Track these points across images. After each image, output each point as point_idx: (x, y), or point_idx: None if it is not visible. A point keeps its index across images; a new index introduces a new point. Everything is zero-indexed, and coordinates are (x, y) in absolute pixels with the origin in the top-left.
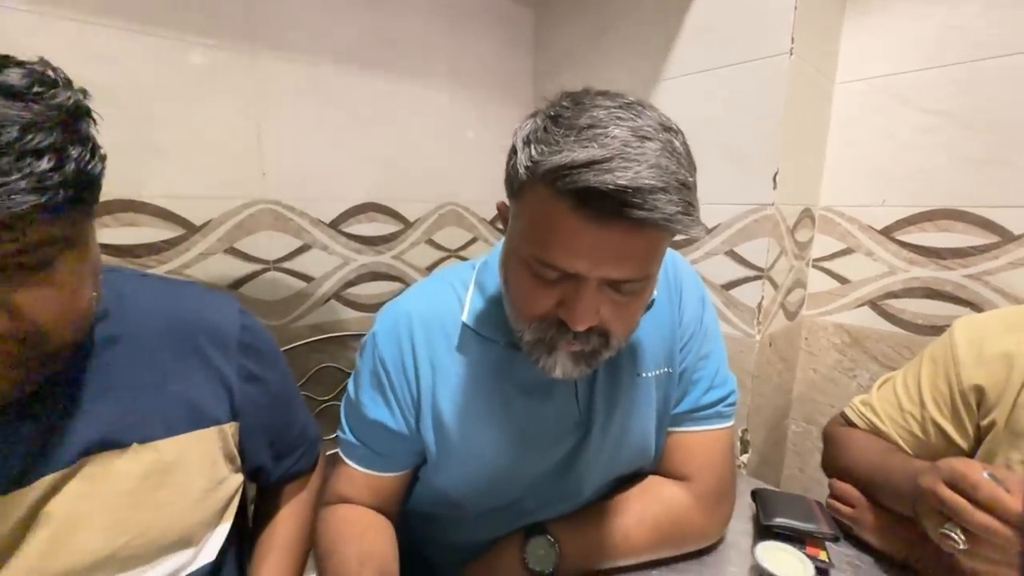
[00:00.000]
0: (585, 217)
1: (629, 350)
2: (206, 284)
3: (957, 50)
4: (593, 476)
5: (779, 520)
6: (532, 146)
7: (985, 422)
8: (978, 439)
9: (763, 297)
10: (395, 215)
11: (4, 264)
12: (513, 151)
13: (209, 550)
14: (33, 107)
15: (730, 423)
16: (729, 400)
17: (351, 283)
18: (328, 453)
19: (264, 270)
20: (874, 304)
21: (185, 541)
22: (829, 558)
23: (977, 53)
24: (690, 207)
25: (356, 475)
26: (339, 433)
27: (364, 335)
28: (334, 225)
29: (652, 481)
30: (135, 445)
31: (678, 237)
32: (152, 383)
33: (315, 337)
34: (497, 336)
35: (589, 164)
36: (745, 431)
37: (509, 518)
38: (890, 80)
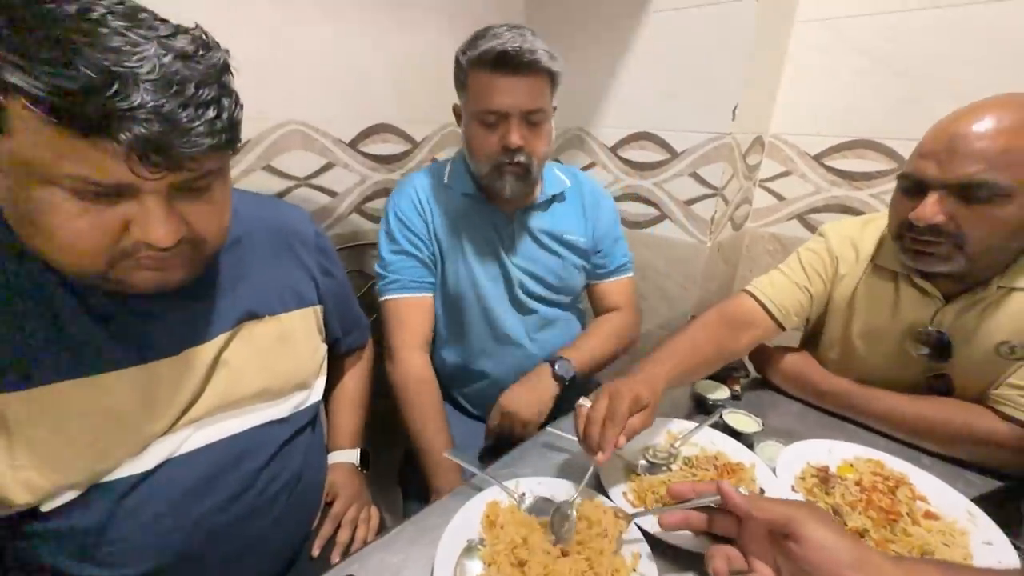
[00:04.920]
0: (502, 73)
1: (552, 221)
2: None
3: None
4: (525, 288)
5: None
6: (467, 52)
7: (835, 293)
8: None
9: (716, 211)
10: (404, 135)
11: (186, 187)
12: (456, 62)
13: (316, 391)
14: (198, 67)
15: (632, 275)
16: (631, 261)
17: (368, 198)
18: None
19: (296, 186)
20: (801, 218)
21: (303, 383)
22: (741, 389)
23: (910, 3)
24: (552, 58)
25: (402, 304)
26: (378, 285)
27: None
28: (352, 144)
29: (601, 318)
30: (267, 317)
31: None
32: (267, 273)
33: (341, 246)
34: (467, 190)
35: (494, 47)
36: (694, 317)
37: (504, 345)
38: (841, 22)
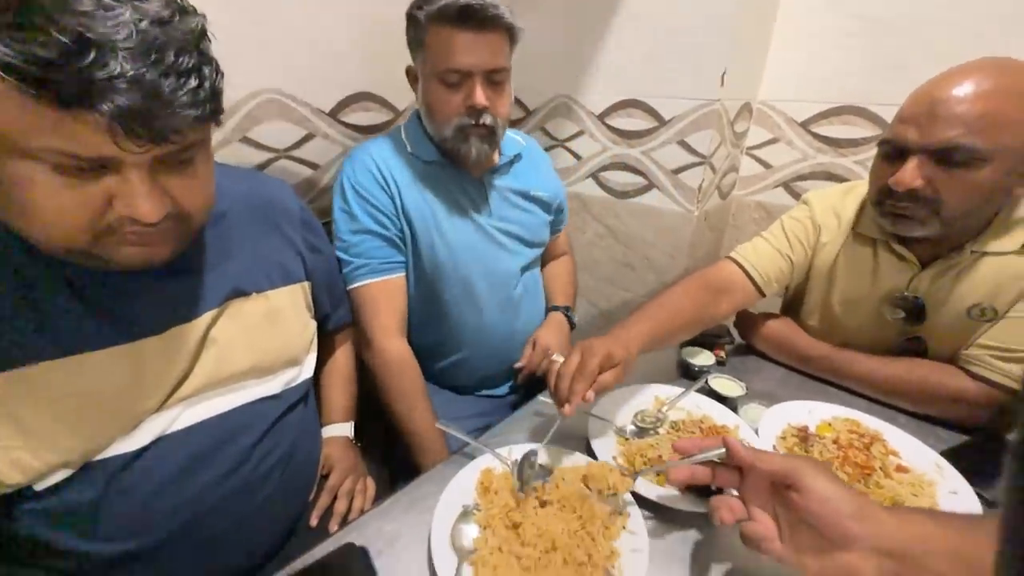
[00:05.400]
0: (464, 29)
1: (517, 180)
2: None
3: None
4: (504, 248)
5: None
6: (424, 7)
7: (817, 260)
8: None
9: (703, 180)
10: (386, 104)
11: (169, 161)
12: (411, 18)
13: (307, 368)
14: (175, 33)
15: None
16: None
17: None
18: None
19: (276, 158)
20: (787, 185)
21: (294, 360)
22: (726, 356)
23: None
24: (512, 13)
25: (374, 289)
26: (344, 272)
27: None
28: (333, 114)
29: (559, 264)
30: (254, 294)
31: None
32: (253, 249)
33: (325, 220)
34: (430, 156)
35: (456, 0)
36: None
37: (482, 313)
38: None
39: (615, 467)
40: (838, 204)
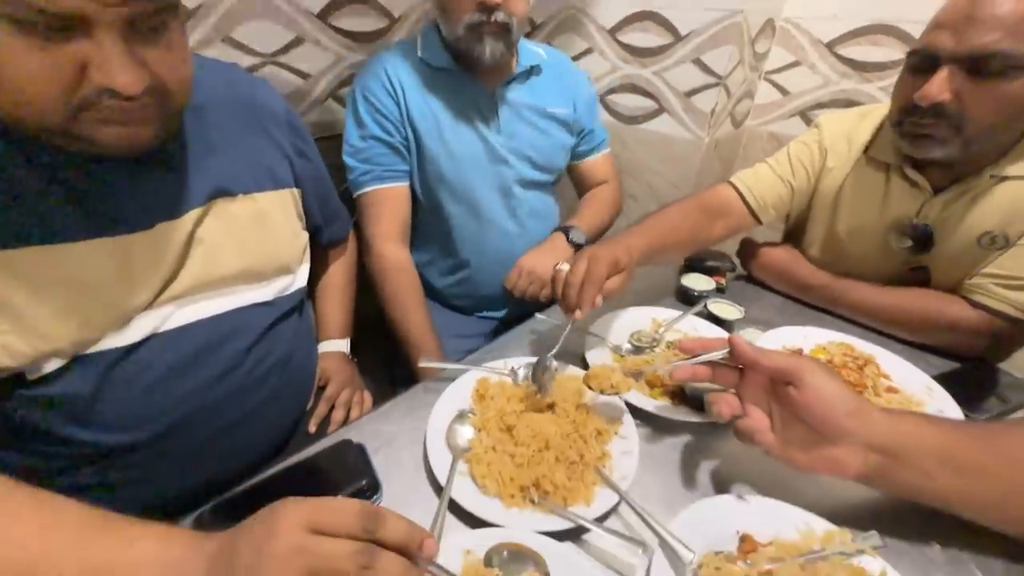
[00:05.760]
0: None
1: (533, 95)
2: None
3: None
4: (510, 167)
5: (696, 258)
6: None
7: (821, 186)
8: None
9: (717, 103)
10: (381, 9)
11: (142, 27)
12: None
13: (300, 278)
14: None
15: (609, 151)
16: (607, 140)
17: (344, 82)
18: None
19: (263, 63)
20: (803, 114)
21: (285, 268)
22: (726, 283)
23: None
24: None
25: (379, 195)
26: (349, 179)
27: None
28: (322, 17)
29: (595, 190)
30: (241, 195)
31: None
32: (237, 148)
33: (318, 136)
34: (442, 63)
35: None
36: None
37: (486, 230)
38: None
39: (617, 368)
40: (852, 128)
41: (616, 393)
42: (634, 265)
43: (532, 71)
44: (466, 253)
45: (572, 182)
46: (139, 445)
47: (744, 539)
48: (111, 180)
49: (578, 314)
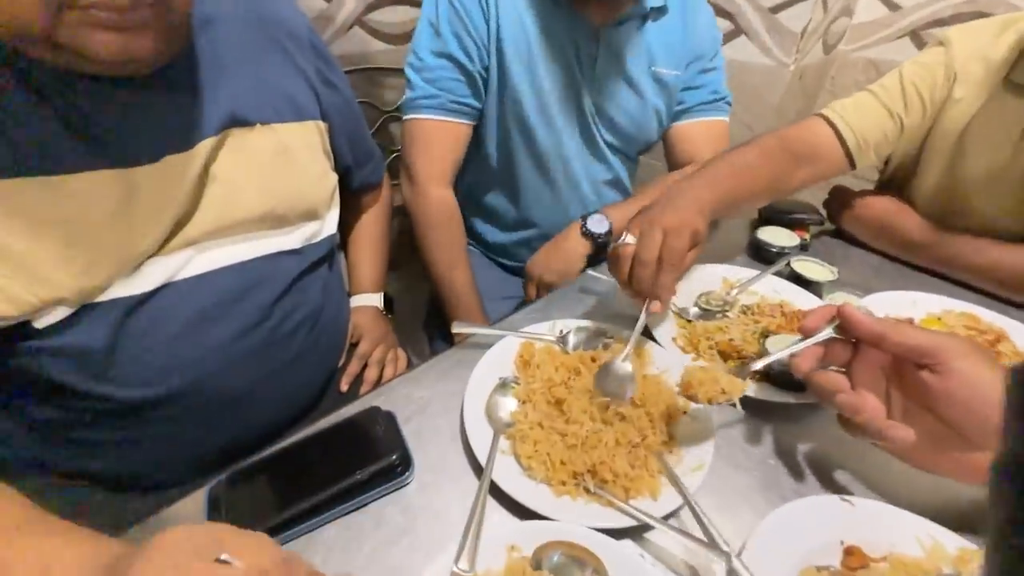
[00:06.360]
0: None
1: (644, 47)
2: None
3: None
4: (600, 129)
5: (774, 209)
6: None
7: (943, 121)
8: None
9: (810, 20)
10: None
11: None
12: None
13: (329, 224)
14: None
15: (726, 119)
16: (727, 99)
17: (373, 5)
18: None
19: None
20: (915, 34)
21: (312, 212)
22: (809, 238)
23: None
24: None
25: (437, 128)
26: (407, 96)
27: (393, 69)
28: None
29: (674, 173)
30: (259, 125)
31: None
32: (253, 71)
33: (346, 69)
34: None
35: None
36: None
37: (562, 193)
38: None
39: (721, 369)
40: (988, 46)
41: (728, 401)
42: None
43: (653, 14)
44: (534, 213)
45: (664, 151)
46: (161, 401)
47: (850, 552)
48: (112, 105)
49: (656, 306)
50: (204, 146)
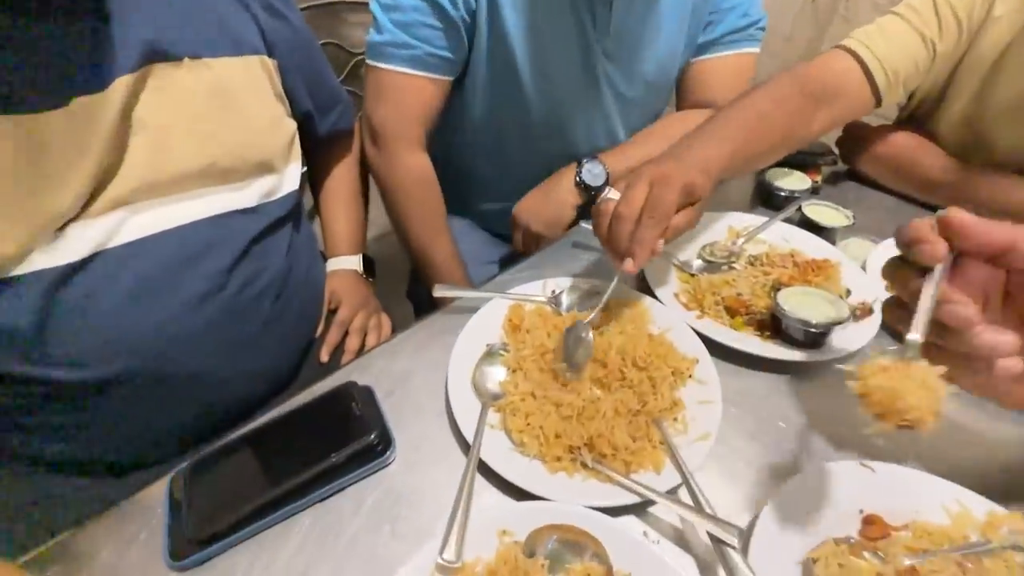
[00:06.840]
0: None
1: None
2: None
3: None
4: (613, 88)
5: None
6: None
7: (978, 45)
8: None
9: None
10: None
11: None
12: None
13: (290, 179)
14: None
15: (757, 49)
16: (760, 24)
17: None
18: None
19: None
20: None
21: (268, 166)
22: (820, 180)
23: None
24: None
25: (408, 83)
26: (371, 40)
27: (361, 3)
28: None
29: (679, 113)
30: (187, 60)
31: None
32: None
33: (304, 5)
34: None
35: None
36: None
37: (548, 153)
38: None
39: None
40: None
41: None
42: (712, 189)
43: None
44: (531, 177)
45: (676, 89)
46: (109, 382)
47: (870, 521)
48: (1, 38)
49: (629, 265)
50: (120, 85)
